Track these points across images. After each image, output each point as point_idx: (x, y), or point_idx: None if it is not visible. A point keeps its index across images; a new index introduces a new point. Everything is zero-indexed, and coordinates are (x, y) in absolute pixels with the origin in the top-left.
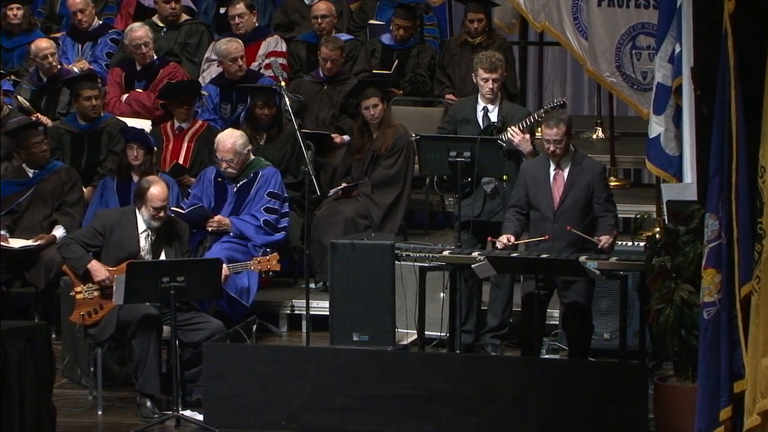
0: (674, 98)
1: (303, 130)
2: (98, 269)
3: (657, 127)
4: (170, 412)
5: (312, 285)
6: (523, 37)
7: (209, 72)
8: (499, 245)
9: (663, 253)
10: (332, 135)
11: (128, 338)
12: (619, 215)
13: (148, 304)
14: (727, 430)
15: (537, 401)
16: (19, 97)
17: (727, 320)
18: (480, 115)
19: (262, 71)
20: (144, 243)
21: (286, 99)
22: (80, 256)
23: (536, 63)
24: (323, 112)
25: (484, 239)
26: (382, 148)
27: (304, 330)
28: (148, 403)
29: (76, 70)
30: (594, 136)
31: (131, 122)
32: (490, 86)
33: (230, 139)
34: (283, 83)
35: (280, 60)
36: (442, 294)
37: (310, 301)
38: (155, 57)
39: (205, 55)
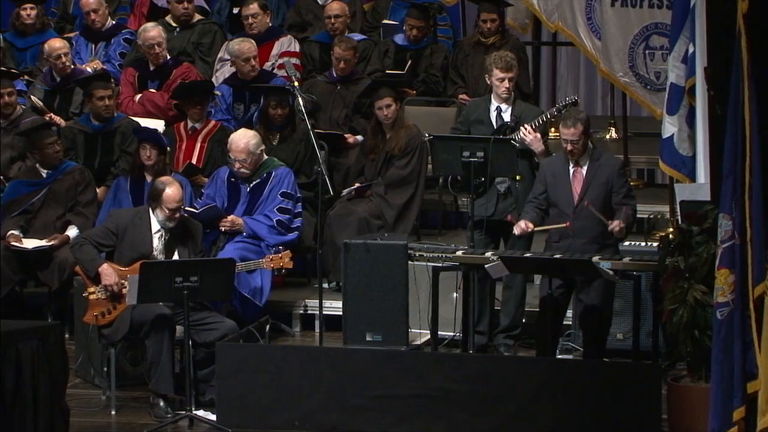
0: (687, 98)
1: (316, 130)
2: (108, 273)
3: (670, 127)
4: (183, 412)
5: (325, 285)
6: (537, 38)
7: (222, 72)
8: (517, 231)
9: (676, 253)
10: (345, 135)
11: (141, 338)
12: None
13: (161, 304)
14: (740, 431)
15: (550, 401)
16: (32, 97)
17: (740, 320)
18: (493, 115)
19: (275, 71)
20: (157, 243)
21: (300, 99)
22: (92, 258)
23: (549, 63)
24: (336, 112)
25: (497, 239)
26: (396, 149)
27: (317, 330)
28: (162, 403)
29: (89, 70)
30: (607, 137)
31: (144, 122)
32: (506, 86)
33: (243, 139)
34: (296, 83)
35: (294, 60)
36: (455, 294)
37: (324, 301)
38: (168, 57)
39: (218, 55)
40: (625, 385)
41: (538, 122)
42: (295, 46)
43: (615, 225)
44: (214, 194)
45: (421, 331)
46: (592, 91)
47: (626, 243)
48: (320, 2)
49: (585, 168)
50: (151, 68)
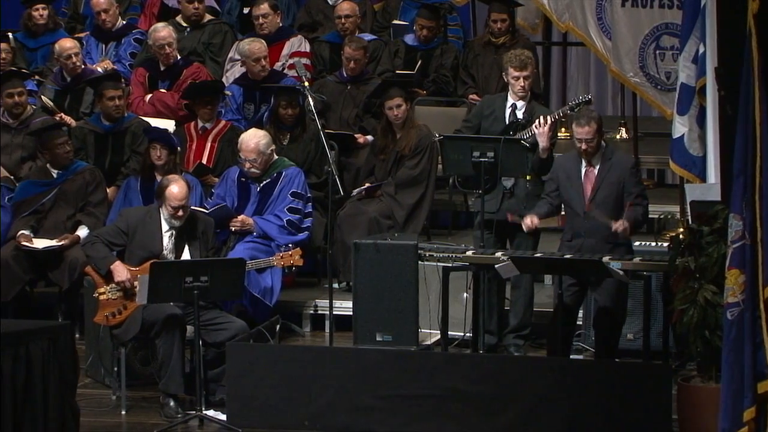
0: (698, 98)
1: (326, 130)
2: (120, 271)
3: (681, 127)
4: (193, 412)
5: (335, 285)
6: (547, 38)
7: (232, 72)
8: (524, 227)
9: (687, 253)
10: (356, 135)
11: (152, 338)
12: None
13: (171, 304)
14: (750, 431)
15: (560, 402)
16: (42, 97)
17: (750, 321)
18: (508, 111)
19: (285, 71)
20: (167, 242)
21: (310, 99)
22: (104, 256)
23: (560, 63)
24: (347, 112)
25: (503, 239)
26: (406, 149)
27: (327, 330)
28: (172, 403)
29: (99, 70)
30: (618, 137)
31: (155, 122)
32: (521, 84)
33: (254, 139)
34: (306, 83)
35: (304, 60)
36: (465, 294)
37: (334, 301)
38: (179, 57)
39: (229, 55)
40: (636, 386)
41: (553, 117)
42: (306, 47)
43: (618, 225)
44: (224, 194)
45: (431, 331)
46: (602, 91)
47: (636, 243)
48: (330, 2)
49: (597, 167)
50: (162, 68)
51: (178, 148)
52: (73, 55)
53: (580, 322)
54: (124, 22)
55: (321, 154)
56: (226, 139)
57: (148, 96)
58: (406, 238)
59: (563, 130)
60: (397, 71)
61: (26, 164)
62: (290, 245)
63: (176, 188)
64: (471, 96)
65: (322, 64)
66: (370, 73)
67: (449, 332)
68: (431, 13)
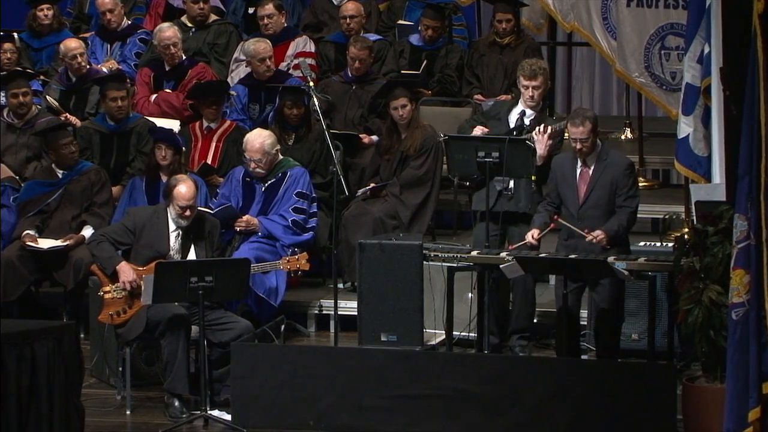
0: (703, 99)
1: (331, 131)
2: (126, 271)
3: (686, 127)
4: (198, 412)
5: (340, 285)
6: (552, 38)
7: (238, 72)
8: (528, 244)
9: (692, 253)
10: (361, 135)
11: (157, 338)
12: (648, 216)
13: (176, 304)
14: (755, 431)
15: (565, 402)
16: (48, 97)
17: (755, 321)
18: (514, 116)
19: (290, 72)
20: (174, 242)
21: (315, 99)
22: (110, 256)
23: (565, 63)
24: (352, 112)
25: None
26: (411, 149)
27: (332, 330)
28: (176, 403)
29: (104, 70)
30: (622, 137)
31: (160, 122)
32: (530, 93)
33: (259, 139)
34: (311, 83)
35: (309, 60)
36: (470, 294)
37: (339, 301)
38: (184, 57)
39: (234, 56)
40: (641, 386)
41: (556, 128)
42: (311, 47)
43: (594, 236)
44: (229, 194)
45: (436, 331)
46: (607, 91)
47: (641, 243)
48: (335, 2)
49: (592, 168)
50: (167, 68)
51: (183, 148)
52: (78, 55)
53: (584, 322)
54: (129, 22)
55: (326, 154)
56: (231, 139)
57: (153, 96)
58: (411, 238)
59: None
60: (402, 71)
61: (31, 164)
62: (296, 249)
63: (184, 188)
64: (476, 96)
65: (327, 64)
66: (375, 73)
67: (454, 332)
68: (436, 13)
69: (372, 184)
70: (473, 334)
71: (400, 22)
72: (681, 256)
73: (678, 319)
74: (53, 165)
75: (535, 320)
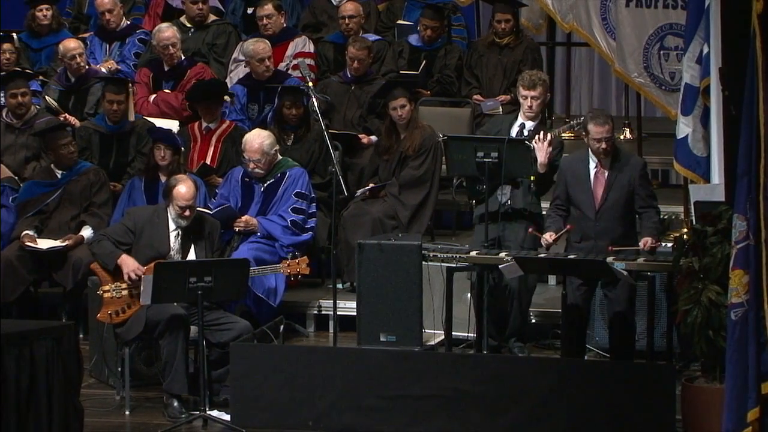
0: (702, 99)
1: (330, 131)
2: (128, 262)
3: (685, 127)
4: (197, 413)
5: (339, 285)
6: (551, 38)
7: (237, 72)
8: (544, 244)
9: (691, 253)
10: (360, 135)
11: (156, 338)
12: None
13: (176, 304)
14: (754, 431)
15: (564, 402)
16: (47, 97)
17: (754, 321)
18: (515, 129)
19: (289, 72)
20: (174, 242)
21: (314, 99)
22: (110, 251)
23: (564, 63)
24: (351, 112)
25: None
26: (410, 149)
27: (331, 330)
28: (175, 403)
29: (103, 70)
30: (622, 137)
31: (159, 122)
32: (529, 104)
33: (258, 139)
34: (310, 84)
35: (308, 60)
36: (468, 294)
37: (338, 301)
38: (183, 57)
39: (233, 56)
40: (640, 386)
41: (554, 134)
42: (310, 47)
43: (645, 243)
44: (228, 194)
45: (435, 331)
46: (606, 91)
47: (634, 248)
48: (335, 3)
49: (607, 169)
50: (166, 69)
51: (182, 148)
52: (77, 56)
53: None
54: (128, 23)
55: (325, 155)
56: (230, 140)
57: (152, 96)
58: (410, 239)
59: (568, 133)
60: (401, 71)
61: (30, 165)
62: (297, 253)
63: (184, 188)
64: (475, 96)
65: (326, 64)
66: (374, 73)
67: (453, 333)
68: (435, 14)
69: (371, 185)
70: (472, 335)
71: (399, 22)
72: (680, 257)
73: (677, 319)
74: (52, 165)
75: (533, 321)
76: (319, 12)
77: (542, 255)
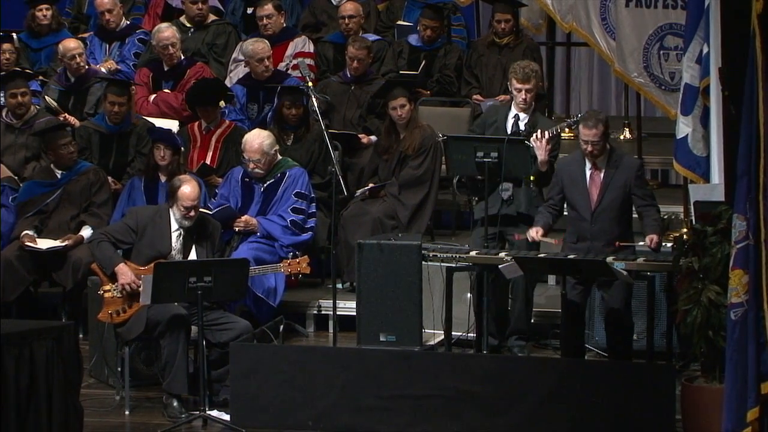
0: (702, 99)
1: (330, 131)
2: (124, 273)
3: (684, 127)
4: (197, 412)
5: (339, 285)
6: (551, 38)
7: (236, 72)
8: (529, 238)
9: (690, 253)
10: (359, 135)
11: (156, 338)
12: None
13: (176, 304)
14: (754, 431)
15: (564, 402)
16: (46, 97)
17: (754, 321)
18: (510, 122)
19: (289, 72)
20: (175, 242)
21: (314, 99)
22: (109, 256)
23: (563, 63)
24: (350, 112)
25: (503, 239)
26: (410, 149)
27: (331, 330)
28: (175, 403)
29: (103, 70)
30: (621, 137)
31: (159, 122)
32: (523, 96)
33: (257, 139)
34: (310, 83)
35: (308, 60)
36: (468, 294)
37: (337, 301)
38: (182, 57)
39: (232, 56)
40: (639, 386)
41: (552, 132)
42: (309, 47)
43: (649, 241)
44: (228, 194)
45: (435, 331)
46: (606, 91)
47: (640, 243)
48: (334, 3)
49: (603, 170)
50: (166, 69)
51: (182, 148)
52: (76, 56)
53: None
54: (128, 23)
55: (325, 155)
56: (229, 140)
57: (152, 96)
58: (409, 239)
59: (567, 131)
60: (401, 71)
61: (30, 164)
62: (297, 252)
63: (188, 188)
64: (475, 96)
65: (326, 64)
66: (374, 73)
67: (453, 332)
68: (435, 14)
69: (371, 184)
70: (472, 335)
71: (399, 22)
72: (680, 257)
73: (677, 319)
74: (52, 165)
75: (532, 320)
76: (318, 12)
77: (542, 255)
